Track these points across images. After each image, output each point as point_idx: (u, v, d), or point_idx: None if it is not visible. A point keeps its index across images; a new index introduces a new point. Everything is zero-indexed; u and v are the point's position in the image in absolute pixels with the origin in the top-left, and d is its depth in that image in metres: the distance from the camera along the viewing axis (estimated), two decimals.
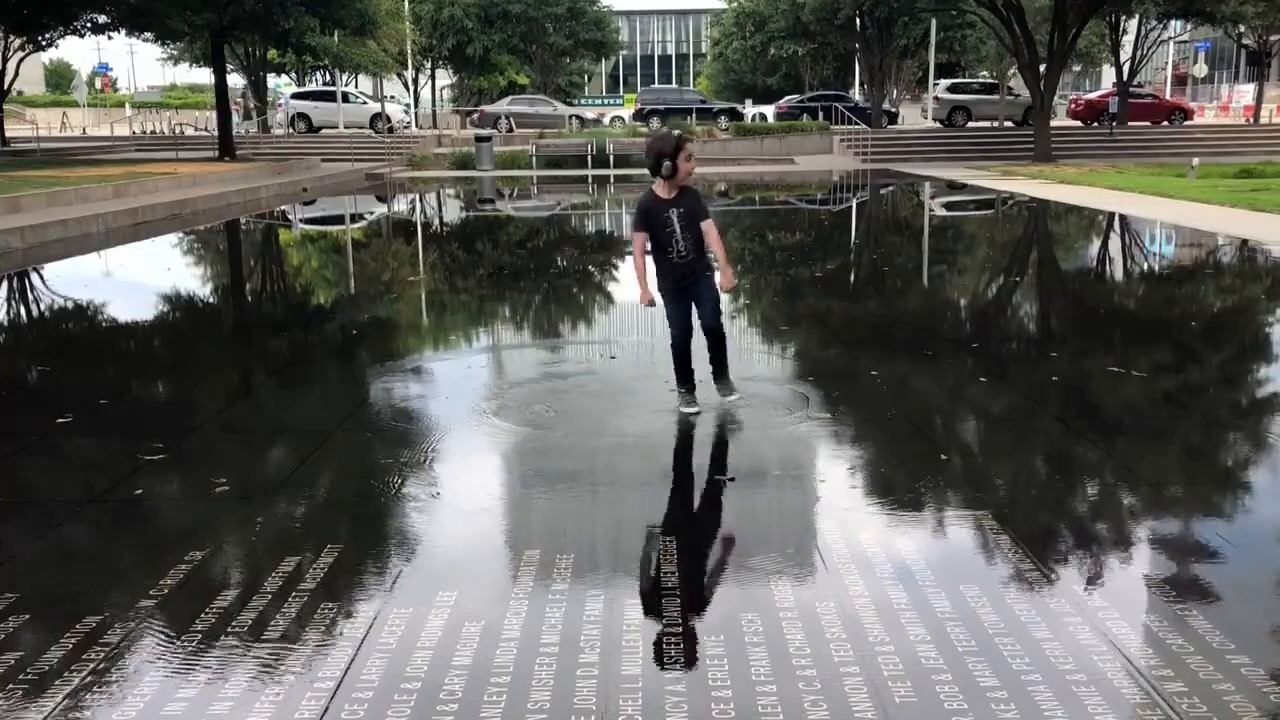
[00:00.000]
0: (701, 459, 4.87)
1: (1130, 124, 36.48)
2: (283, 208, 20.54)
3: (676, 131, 5.33)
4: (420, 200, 23.61)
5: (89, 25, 27.82)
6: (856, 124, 35.40)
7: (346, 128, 37.77)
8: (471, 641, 2.99)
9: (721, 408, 5.33)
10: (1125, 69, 37.94)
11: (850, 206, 21.38)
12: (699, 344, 5.31)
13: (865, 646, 2.94)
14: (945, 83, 41.71)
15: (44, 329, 8.88)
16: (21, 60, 32.50)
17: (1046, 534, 3.84)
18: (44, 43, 31.39)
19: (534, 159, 31.92)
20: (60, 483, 4.63)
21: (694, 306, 5.21)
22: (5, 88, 31.46)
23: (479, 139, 30.71)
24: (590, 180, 27.99)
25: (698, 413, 5.23)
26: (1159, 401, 5.93)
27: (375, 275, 12.02)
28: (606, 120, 45.37)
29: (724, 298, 5.41)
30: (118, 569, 3.59)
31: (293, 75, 48.50)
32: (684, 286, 5.16)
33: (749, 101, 51.81)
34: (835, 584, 3.35)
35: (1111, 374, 6.30)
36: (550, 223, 19.11)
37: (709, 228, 5.10)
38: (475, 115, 42.54)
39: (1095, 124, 37.80)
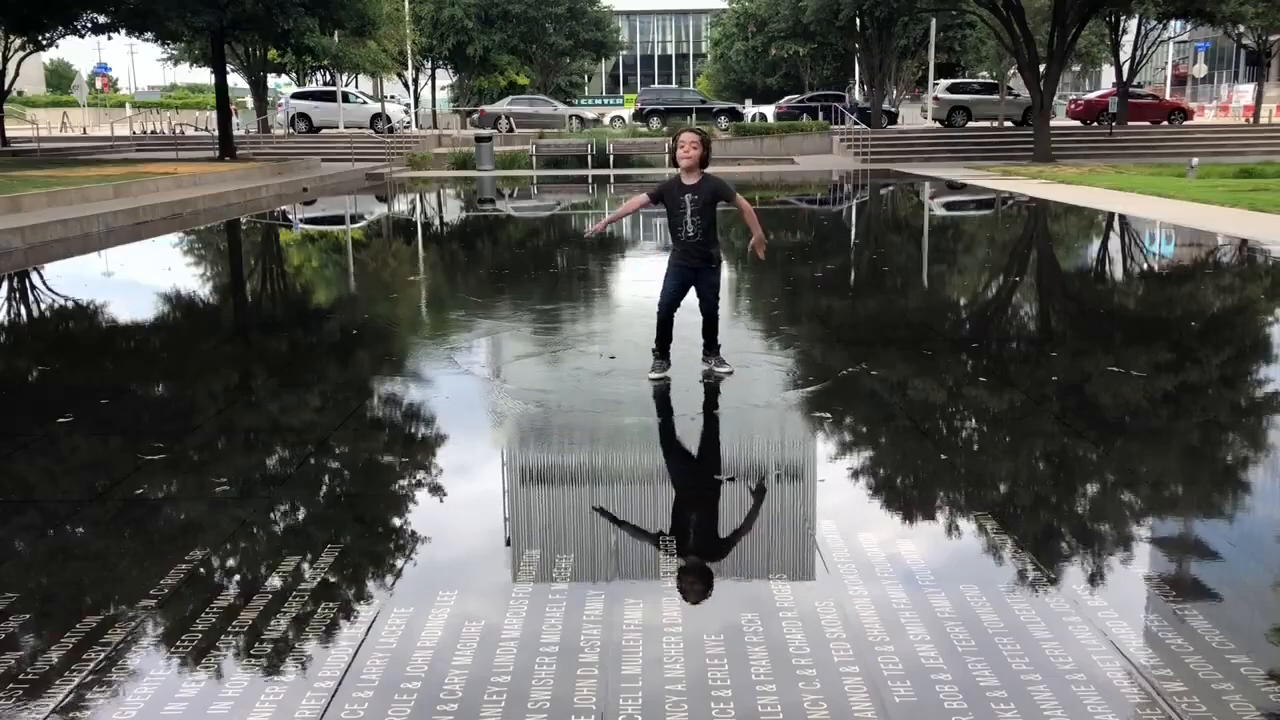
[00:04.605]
0: (701, 458, 4.87)
1: (1130, 124, 36.50)
2: (283, 208, 20.53)
3: (690, 128, 5.94)
4: (420, 200, 23.61)
5: (89, 25, 27.80)
6: (856, 124, 35.42)
7: (346, 128, 37.77)
8: (471, 641, 2.99)
9: (713, 386, 5.81)
10: (1125, 69, 37.95)
11: (850, 206, 21.38)
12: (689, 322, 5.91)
13: (865, 646, 2.94)
14: (945, 83, 41.73)
15: (44, 329, 8.88)
16: (22, 60, 32.48)
17: (1046, 534, 3.84)
18: (44, 43, 31.34)
19: (534, 159, 31.94)
20: (60, 483, 4.63)
21: (694, 289, 5.77)
22: (5, 88, 31.45)
23: (479, 139, 30.72)
24: (590, 180, 27.99)
25: (663, 379, 5.80)
26: (1159, 401, 5.93)
27: (375, 275, 12.02)
28: (606, 120, 45.43)
29: (722, 292, 5.94)
30: (118, 569, 3.59)
31: (293, 75, 48.49)
32: (690, 267, 5.69)
33: (749, 101, 51.87)
34: (835, 583, 3.35)
35: (1111, 374, 6.30)
36: (550, 223, 19.10)
37: (742, 205, 5.62)
38: (475, 115, 42.57)
39: (1095, 124, 37.82)
